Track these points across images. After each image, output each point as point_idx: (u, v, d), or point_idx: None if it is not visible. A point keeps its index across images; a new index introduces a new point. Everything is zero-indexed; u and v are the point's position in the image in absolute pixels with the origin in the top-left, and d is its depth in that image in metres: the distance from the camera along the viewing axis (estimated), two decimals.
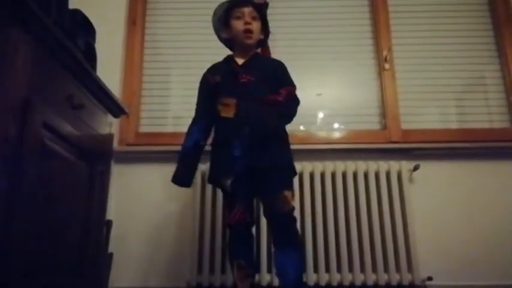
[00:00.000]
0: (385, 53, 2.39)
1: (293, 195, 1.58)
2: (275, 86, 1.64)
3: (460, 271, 2.07)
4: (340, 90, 2.41)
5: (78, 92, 1.43)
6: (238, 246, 1.60)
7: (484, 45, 2.46)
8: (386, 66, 2.37)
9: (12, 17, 1.05)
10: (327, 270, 1.97)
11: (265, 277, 1.95)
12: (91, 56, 1.65)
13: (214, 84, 1.65)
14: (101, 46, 1.77)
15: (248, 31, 1.65)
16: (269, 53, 1.79)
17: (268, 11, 2.46)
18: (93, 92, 1.55)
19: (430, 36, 2.46)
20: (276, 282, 1.90)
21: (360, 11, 2.53)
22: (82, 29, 1.61)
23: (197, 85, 2.34)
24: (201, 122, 1.67)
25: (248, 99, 1.58)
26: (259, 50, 1.81)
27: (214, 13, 1.76)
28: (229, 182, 1.54)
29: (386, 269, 1.97)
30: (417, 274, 1.95)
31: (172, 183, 1.63)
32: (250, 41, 1.67)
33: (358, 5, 2.54)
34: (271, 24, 1.79)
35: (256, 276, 1.94)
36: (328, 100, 2.39)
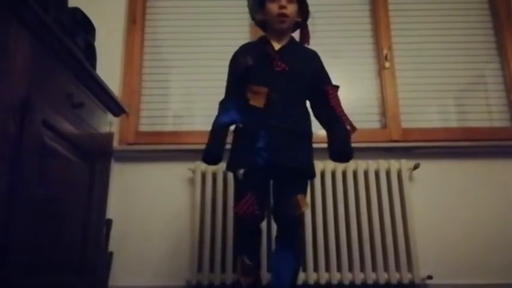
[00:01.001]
0: (385, 51, 2.38)
1: (305, 200, 1.51)
2: (309, 78, 1.58)
3: (460, 270, 2.07)
4: (339, 89, 2.40)
5: (78, 91, 1.43)
6: (245, 242, 1.52)
7: (484, 43, 2.46)
8: (387, 64, 2.37)
9: (11, 15, 1.05)
10: (327, 269, 1.97)
11: (265, 276, 1.94)
12: (91, 54, 1.65)
13: (245, 67, 1.55)
14: (101, 45, 1.77)
15: (282, 15, 1.55)
16: (308, 38, 1.67)
17: None
18: (93, 91, 1.55)
19: (430, 35, 2.46)
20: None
21: (360, 10, 2.52)
22: (82, 27, 1.60)
23: (197, 84, 2.38)
24: (232, 100, 1.57)
25: (281, 90, 1.50)
26: (297, 34, 1.69)
27: None
28: (242, 171, 1.46)
29: (386, 268, 1.97)
30: (417, 273, 1.95)
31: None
32: (283, 25, 1.58)
33: (358, 3, 2.53)
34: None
35: None
36: None
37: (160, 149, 2.21)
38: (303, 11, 1.64)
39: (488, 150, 2.22)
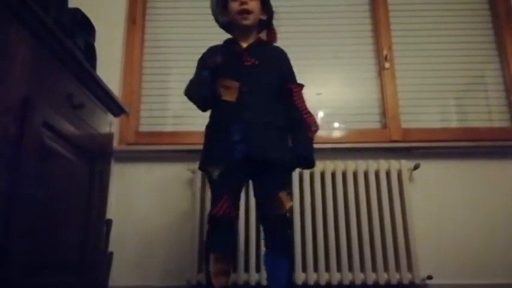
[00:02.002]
0: (385, 52, 2.38)
1: (291, 196, 1.48)
2: (278, 74, 1.58)
3: (460, 270, 2.07)
4: (340, 90, 2.41)
5: (78, 91, 1.43)
6: (218, 238, 1.46)
7: (484, 44, 2.46)
8: (387, 65, 2.37)
9: (11, 15, 1.05)
10: (327, 269, 1.97)
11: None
12: (91, 55, 1.65)
13: (214, 66, 1.53)
14: (101, 45, 1.77)
15: (244, 11, 1.56)
16: (275, 37, 1.68)
17: None
18: (93, 91, 1.55)
19: (430, 35, 2.46)
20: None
21: (360, 10, 2.53)
22: (82, 28, 1.61)
23: None
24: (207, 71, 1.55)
25: (252, 84, 1.50)
26: (264, 34, 1.70)
27: None
28: (217, 172, 1.44)
29: (386, 268, 1.97)
30: (417, 273, 1.95)
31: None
32: (246, 22, 1.57)
33: (358, 3, 2.54)
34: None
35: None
36: (328, 99, 2.39)
37: (160, 149, 2.21)
38: (267, 10, 1.64)
39: (488, 150, 2.22)
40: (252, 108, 1.47)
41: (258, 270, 1.95)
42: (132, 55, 2.39)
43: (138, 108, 2.35)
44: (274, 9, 1.67)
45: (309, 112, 1.57)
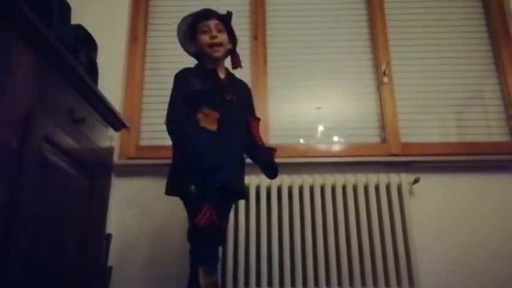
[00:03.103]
0: (383, 66, 2.41)
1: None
2: (247, 111, 1.73)
3: (461, 284, 2.05)
4: (339, 104, 2.43)
5: (79, 106, 1.45)
6: (205, 250, 1.46)
7: (482, 59, 2.48)
8: (385, 80, 2.39)
9: (14, 31, 1.07)
10: (328, 283, 1.96)
11: None
12: (93, 70, 1.68)
13: (196, 90, 1.56)
14: (103, 61, 1.80)
15: (216, 44, 1.65)
16: (239, 62, 1.76)
17: (268, 26, 2.52)
18: (94, 106, 1.57)
19: (428, 50, 2.49)
20: None
21: (358, 26, 2.56)
22: (84, 43, 1.63)
23: None
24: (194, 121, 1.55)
25: (230, 118, 1.58)
26: (228, 60, 1.77)
27: (178, 26, 1.74)
28: (193, 187, 1.44)
29: (387, 283, 1.95)
30: (418, 287, 1.94)
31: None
32: (218, 54, 1.66)
33: (356, 20, 2.57)
34: (240, 37, 1.80)
35: None
36: (328, 113, 2.40)
37: (160, 163, 2.21)
38: (232, 38, 1.74)
39: (488, 164, 2.22)
40: (231, 141, 1.57)
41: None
42: (133, 70, 2.41)
43: (138, 122, 2.36)
44: (237, 38, 1.76)
45: (263, 142, 1.71)
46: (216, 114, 1.55)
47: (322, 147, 2.31)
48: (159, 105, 2.42)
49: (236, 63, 1.76)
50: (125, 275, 2.07)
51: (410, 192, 2.15)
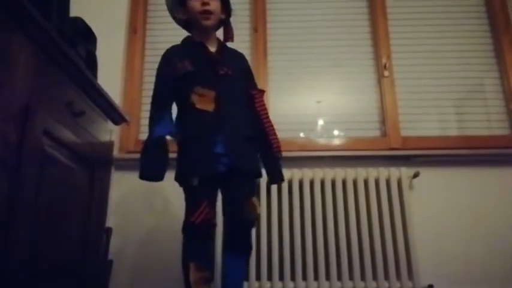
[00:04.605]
0: (384, 60, 2.40)
1: (257, 201, 1.51)
2: (246, 82, 1.59)
3: (461, 278, 2.06)
4: (339, 98, 2.42)
5: (78, 99, 1.44)
6: (198, 248, 1.43)
7: (483, 52, 2.47)
8: (386, 73, 2.38)
9: (13, 24, 1.06)
10: (327, 277, 1.96)
11: (266, 284, 1.94)
12: (92, 63, 1.66)
13: (184, 73, 1.49)
14: (102, 54, 1.79)
15: (206, 12, 1.52)
16: (232, 34, 1.62)
17: (268, 18, 2.50)
18: (93, 99, 1.56)
19: (429, 44, 2.48)
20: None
21: (359, 19, 2.55)
22: (83, 36, 1.62)
23: None
24: (169, 110, 1.51)
25: (228, 93, 1.48)
26: (221, 31, 1.66)
27: None
28: (197, 180, 1.40)
29: (386, 277, 1.96)
30: (418, 281, 1.94)
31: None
32: (208, 22, 1.53)
33: (357, 12, 2.56)
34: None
35: (257, 284, 1.93)
36: (328, 107, 2.39)
37: None
38: (226, 8, 1.61)
39: (488, 158, 2.22)
40: (231, 119, 1.47)
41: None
42: (133, 63, 2.40)
43: (138, 116, 2.35)
44: (232, 8, 1.64)
45: (270, 121, 1.58)
46: (211, 93, 1.46)
47: (322, 140, 2.30)
48: None
49: (228, 36, 1.63)
50: (125, 268, 2.07)
51: (410, 186, 2.15)
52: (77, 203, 1.44)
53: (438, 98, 2.40)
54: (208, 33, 1.58)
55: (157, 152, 1.46)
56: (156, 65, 2.45)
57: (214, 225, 1.47)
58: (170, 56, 1.56)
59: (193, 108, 1.46)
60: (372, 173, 2.09)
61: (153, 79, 2.41)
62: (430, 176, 2.19)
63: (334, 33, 2.52)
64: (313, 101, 2.40)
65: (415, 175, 2.12)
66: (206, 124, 1.45)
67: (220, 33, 1.66)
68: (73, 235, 1.41)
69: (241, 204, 1.45)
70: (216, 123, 1.45)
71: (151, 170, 1.45)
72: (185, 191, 1.48)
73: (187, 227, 1.43)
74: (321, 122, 2.37)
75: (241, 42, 2.44)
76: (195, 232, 1.42)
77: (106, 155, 1.75)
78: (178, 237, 2.11)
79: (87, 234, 1.50)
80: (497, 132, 2.33)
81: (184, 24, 1.65)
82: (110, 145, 1.81)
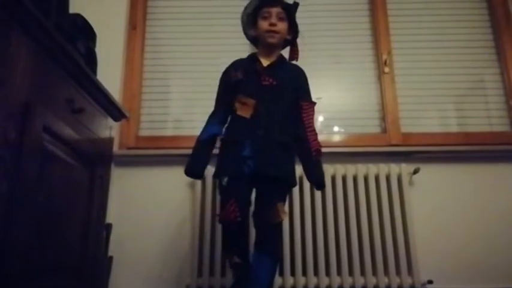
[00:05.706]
0: (384, 56, 2.39)
1: (284, 208, 1.56)
2: (293, 93, 1.64)
3: (461, 274, 2.06)
4: (340, 94, 2.42)
5: (78, 96, 1.44)
6: (226, 238, 1.62)
7: (483, 49, 2.47)
8: (386, 69, 2.38)
9: (13, 21, 1.06)
10: (327, 273, 1.97)
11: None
12: (91, 60, 1.66)
13: (235, 81, 1.63)
14: (102, 50, 1.79)
15: (272, 32, 1.65)
16: (297, 55, 1.75)
17: None
18: (93, 96, 1.56)
19: (429, 40, 2.47)
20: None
21: (359, 15, 2.54)
22: (83, 33, 1.62)
23: (197, 89, 2.39)
24: (218, 114, 1.66)
25: (268, 103, 1.57)
26: (287, 50, 1.77)
27: (245, 8, 1.74)
28: (226, 178, 1.51)
29: (386, 272, 1.97)
30: (417, 277, 1.95)
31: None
32: (272, 40, 1.66)
33: (357, 9, 2.55)
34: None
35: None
36: (328, 104, 2.39)
37: (160, 153, 2.21)
38: (293, 30, 1.72)
39: (488, 154, 2.22)
40: (264, 126, 1.54)
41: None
42: (133, 60, 2.40)
43: (138, 112, 2.35)
44: (299, 30, 1.73)
45: (313, 130, 1.63)
46: (251, 102, 1.57)
47: (322, 137, 2.29)
48: (159, 95, 2.42)
49: (293, 55, 1.75)
50: (126, 264, 2.08)
51: (411, 183, 2.15)
52: (77, 199, 1.44)
53: (438, 94, 2.39)
54: (271, 49, 1.69)
55: (202, 151, 1.62)
56: (156, 61, 2.47)
57: (239, 223, 1.49)
58: (231, 66, 1.72)
59: (235, 114, 1.60)
60: (372, 169, 2.09)
61: (153, 75, 2.44)
62: (430, 172, 2.19)
63: (335, 30, 2.51)
64: (313, 98, 2.39)
65: (415, 171, 2.12)
66: (241, 129, 1.56)
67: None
68: (73, 231, 1.41)
69: (265, 207, 1.53)
70: (249, 128, 1.54)
71: (193, 168, 1.61)
72: (218, 188, 1.60)
73: (220, 222, 1.54)
74: (321, 119, 2.37)
75: (242, 39, 2.44)
76: (223, 227, 1.57)
77: (106, 152, 1.75)
78: (178, 232, 2.13)
79: (87, 230, 1.50)
80: (497, 128, 2.33)
81: (252, 39, 1.78)
82: (109, 141, 1.81)
